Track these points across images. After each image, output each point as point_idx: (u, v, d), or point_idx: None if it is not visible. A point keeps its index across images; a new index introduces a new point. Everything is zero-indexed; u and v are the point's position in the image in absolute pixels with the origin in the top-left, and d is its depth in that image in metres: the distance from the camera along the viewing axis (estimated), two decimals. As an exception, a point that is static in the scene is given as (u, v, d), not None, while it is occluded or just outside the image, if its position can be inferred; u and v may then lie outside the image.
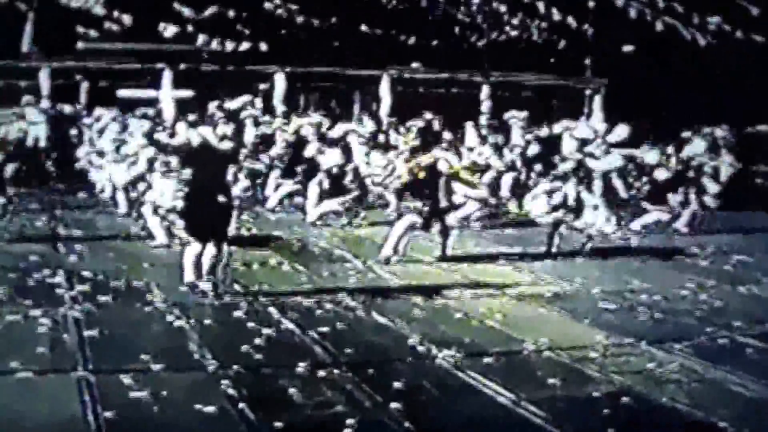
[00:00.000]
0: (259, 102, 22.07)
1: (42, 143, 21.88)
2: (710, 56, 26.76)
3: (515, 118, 20.74)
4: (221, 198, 10.19)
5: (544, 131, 19.56)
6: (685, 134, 18.62)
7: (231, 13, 25.62)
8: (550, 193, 13.83)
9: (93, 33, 24.94)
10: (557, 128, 18.17)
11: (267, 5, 26.02)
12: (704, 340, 8.87)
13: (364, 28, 26.70)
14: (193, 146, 10.46)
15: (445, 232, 12.98)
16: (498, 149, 18.49)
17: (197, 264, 10.36)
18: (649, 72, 25.48)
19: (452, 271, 12.24)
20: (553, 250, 13.55)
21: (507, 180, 18.91)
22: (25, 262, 11.99)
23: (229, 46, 25.70)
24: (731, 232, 16.01)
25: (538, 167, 18.00)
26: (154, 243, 13.60)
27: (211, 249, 10.30)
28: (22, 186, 19.48)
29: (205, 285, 10.28)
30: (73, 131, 22.08)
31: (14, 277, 11.07)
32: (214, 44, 25.65)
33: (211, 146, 10.34)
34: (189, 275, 10.41)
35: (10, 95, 23.03)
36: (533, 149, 19.04)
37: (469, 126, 19.23)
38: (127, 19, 24.99)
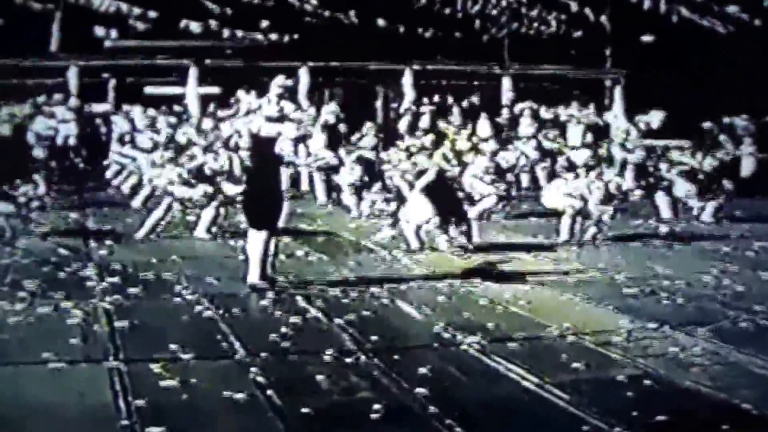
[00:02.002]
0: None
1: (72, 141, 21.99)
2: (730, 46, 26.53)
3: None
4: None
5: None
6: (707, 125, 18.48)
7: (255, 9, 25.64)
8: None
9: (119, 31, 25.03)
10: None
11: (292, 1, 26.05)
12: (727, 324, 8.79)
13: (386, 22, 26.66)
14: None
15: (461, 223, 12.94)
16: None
17: (263, 262, 10.26)
18: (668, 62, 25.29)
19: (476, 260, 12.19)
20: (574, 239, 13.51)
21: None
22: (57, 256, 12.08)
23: (253, 41, 25.73)
24: (753, 220, 15.83)
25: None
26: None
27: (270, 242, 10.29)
28: (53, 183, 19.62)
29: (264, 284, 10.22)
30: (103, 129, 22.26)
31: (46, 270, 11.15)
32: (238, 40, 25.69)
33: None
34: (254, 276, 10.27)
35: (38, 94, 23.14)
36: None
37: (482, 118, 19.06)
38: (152, 16, 25.07)
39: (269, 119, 10.64)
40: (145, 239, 13.61)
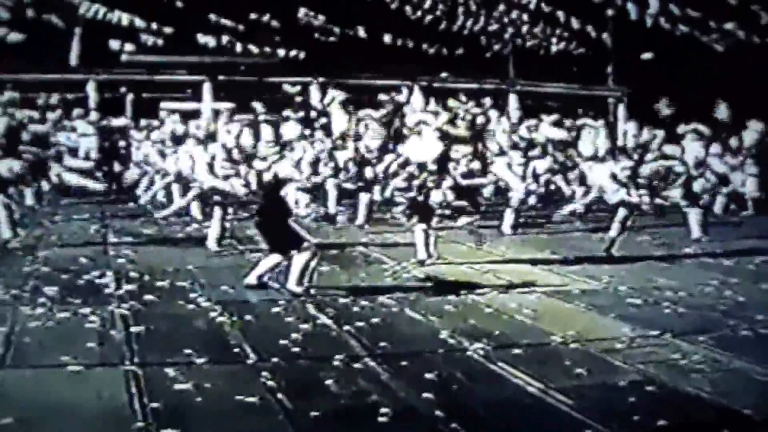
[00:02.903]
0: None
1: (93, 154, 22.07)
2: (730, 62, 26.56)
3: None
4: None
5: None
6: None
7: (267, 26, 25.78)
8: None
9: (136, 47, 25.19)
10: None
11: (302, 18, 26.18)
12: (727, 332, 8.76)
13: (395, 40, 26.78)
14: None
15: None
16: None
17: (303, 272, 10.37)
18: (669, 78, 25.32)
19: (483, 272, 12.18)
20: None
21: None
22: (76, 265, 12.14)
23: (266, 57, 25.86)
24: (756, 237, 15.66)
25: None
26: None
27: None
28: (74, 195, 19.71)
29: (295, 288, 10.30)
30: (122, 142, 22.37)
31: (66, 278, 11.20)
32: (251, 56, 25.82)
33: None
34: (251, 277, 10.51)
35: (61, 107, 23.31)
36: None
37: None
38: (168, 32, 25.22)
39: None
40: (159, 245, 13.70)
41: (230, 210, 14.07)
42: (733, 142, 19.36)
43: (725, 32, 27.72)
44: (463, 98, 19.60)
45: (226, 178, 13.37)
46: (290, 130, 18.74)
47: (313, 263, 10.46)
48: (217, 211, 13.70)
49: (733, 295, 10.56)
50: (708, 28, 27.81)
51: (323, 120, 19.77)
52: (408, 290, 10.74)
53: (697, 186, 15.96)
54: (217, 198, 13.69)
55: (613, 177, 13.49)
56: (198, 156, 14.27)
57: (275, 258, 10.55)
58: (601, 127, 15.77)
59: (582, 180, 18.43)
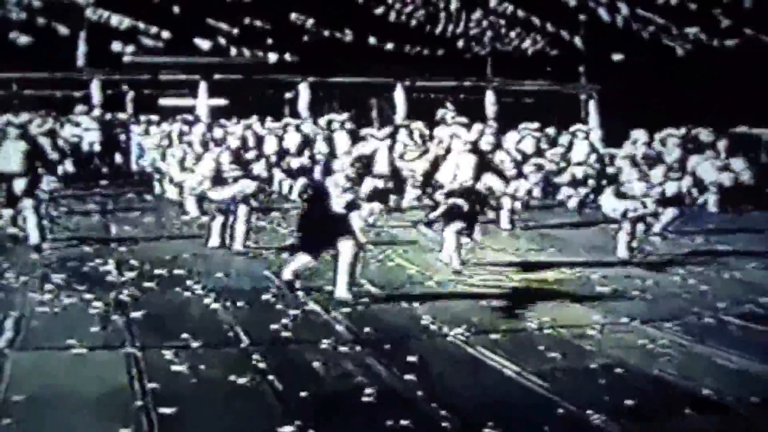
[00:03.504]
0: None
1: (96, 148, 22.02)
2: (693, 62, 26.72)
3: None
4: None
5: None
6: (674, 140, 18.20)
7: (260, 29, 25.78)
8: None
9: (137, 49, 25.19)
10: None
11: (293, 21, 26.18)
12: (692, 319, 8.81)
13: (379, 41, 26.79)
14: None
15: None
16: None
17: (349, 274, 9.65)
18: (637, 77, 25.42)
19: (465, 262, 12.13)
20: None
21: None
22: (81, 254, 12.10)
23: (258, 59, 25.85)
24: (721, 228, 15.67)
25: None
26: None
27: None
28: (78, 187, 19.64)
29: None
30: (123, 137, 22.33)
31: (71, 266, 11.18)
32: (244, 57, 25.82)
33: None
34: (288, 274, 9.83)
35: (66, 104, 23.30)
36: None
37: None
38: (166, 36, 25.21)
39: None
40: (158, 236, 13.62)
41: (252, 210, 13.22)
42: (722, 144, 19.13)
43: (686, 36, 27.86)
44: (450, 106, 19.54)
45: (236, 180, 12.79)
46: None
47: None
48: (219, 217, 13.11)
49: (697, 284, 10.60)
50: (671, 31, 27.94)
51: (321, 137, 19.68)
52: (393, 279, 10.72)
53: (672, 188, 15.78)
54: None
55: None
56: (201, 168, 13.50)
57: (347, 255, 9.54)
58: (591, 132, 15.72)
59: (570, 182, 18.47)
